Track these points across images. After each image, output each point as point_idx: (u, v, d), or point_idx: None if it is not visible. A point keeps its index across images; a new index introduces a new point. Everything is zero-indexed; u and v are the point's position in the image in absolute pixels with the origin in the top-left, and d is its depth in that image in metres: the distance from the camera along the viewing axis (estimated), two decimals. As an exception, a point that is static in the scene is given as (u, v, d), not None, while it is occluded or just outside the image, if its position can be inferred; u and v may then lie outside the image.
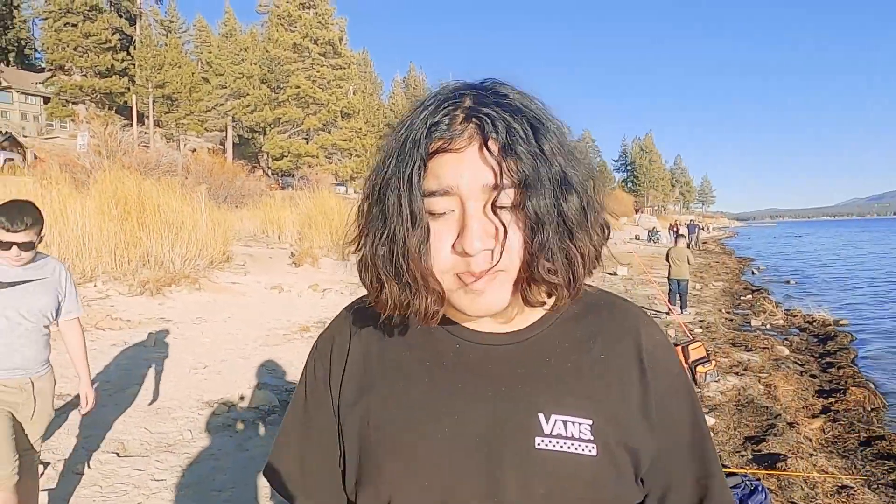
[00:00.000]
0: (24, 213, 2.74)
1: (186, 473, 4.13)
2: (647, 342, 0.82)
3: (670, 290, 11.96)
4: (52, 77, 45.60)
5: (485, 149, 0.70)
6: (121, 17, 46.98)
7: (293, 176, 38.44)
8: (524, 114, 0.72)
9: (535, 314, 0.81)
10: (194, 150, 38.83)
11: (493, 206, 0.70)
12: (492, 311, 0.74)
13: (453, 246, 0.71)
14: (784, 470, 4.57)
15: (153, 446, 4.54)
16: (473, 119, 0.71)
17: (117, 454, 4.36)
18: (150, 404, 5.35)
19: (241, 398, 5.61)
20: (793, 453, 4.88)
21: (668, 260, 12.09)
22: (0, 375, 2.82)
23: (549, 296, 0.76)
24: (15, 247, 2.73)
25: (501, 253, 0.70)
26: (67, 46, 43.29)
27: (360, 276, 0.79)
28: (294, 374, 6.39)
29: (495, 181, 0.69)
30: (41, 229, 2.84)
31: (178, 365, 6.47)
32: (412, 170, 0.71)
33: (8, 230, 2.71)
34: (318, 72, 44.53)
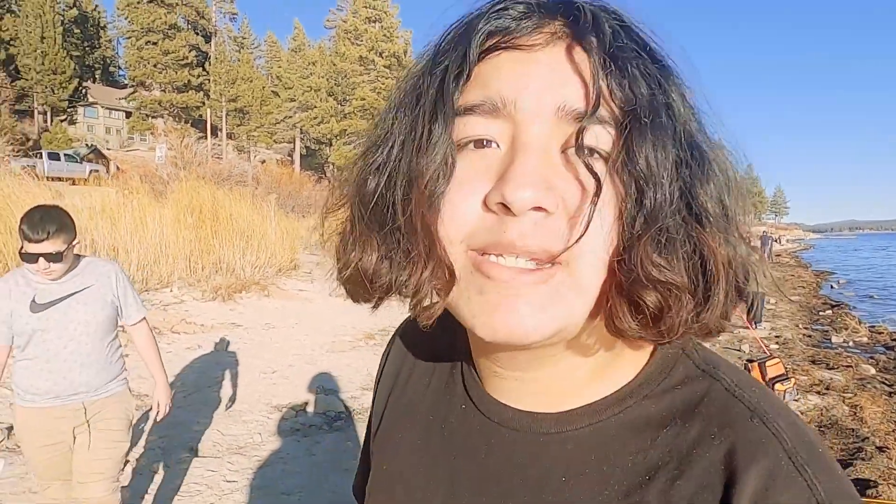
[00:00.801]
0: (46, 220, 2.38)
1: (257, 476, 4.21)
2: None
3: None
4: (133, 93, 48.09)
5: (578, 49, 0.43)
6: (197, 34, 49.14)
7: (358, 186, 39.15)
8: (638, 33, 0.45)
9: (586, 392, 0.50)
10: (264, 162, 40.16)
11: (578, 144, 0.42)
12: (522, 340, 0.43)
13: (485, 199, 0.43)
14: (875, 497, 4.29)
15: (225, 448, 4.65)
16: (561, 14, 0.45)
17: (192, 455, 4.49)
18: (223, 407, 5.50)
19: (308, 403, 5.70)
20: (884, 479, 4.58)
21: None
22: (49, 403, 2.54)
23: (618, 333, 0.45)
24: (41, 259, 2.38)
25: (586, 225, 0.41)
26: (148, 63, 45.57)
27: (337, 252, 0.54)
28: (359, 380, 6.46)
29: (586, 103, 0.42)
30: (71, 237, 2.47)
31: (249, 369, 6.63)
32: (446, 67, 0.45)
33: (31, 240, 2.36)
34: (383, 84, 45.26)
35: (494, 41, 0.44)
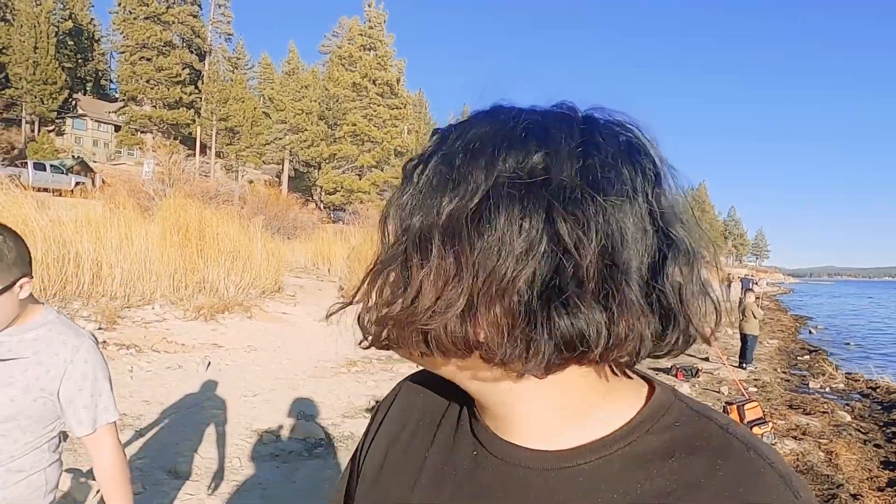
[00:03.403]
0: None
1: (234, 501, 4.16)
2: None
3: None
4: (124, 107, 47.97)
5: None
6: (192, 53, 49.31)
7: (345, 210, 39.18)
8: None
9: (588, 433, 0.54)
10: (251, 182, 40.13)
11: None
12: None
13: None
14: (849, 545, 4.33)
15: (203, 471, 4.60)
16: None
17: (170, 477, 4.43)
18: (202, 429, 5.44)
19: (289, 429, 5.65)
20: (858, 527, 4.62)
21: (742, 314, 12.13)
22: None
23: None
24: None
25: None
26: (140, 79, 45.57)
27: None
28: (340, 407, 6.42)
29: None
30: (14, 275, 1.54)
31: (229, 391, 6.57)
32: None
33: None
34: (374, 111, 45.65)
35: None
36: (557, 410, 0.54)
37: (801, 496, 0.49)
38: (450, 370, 0.55)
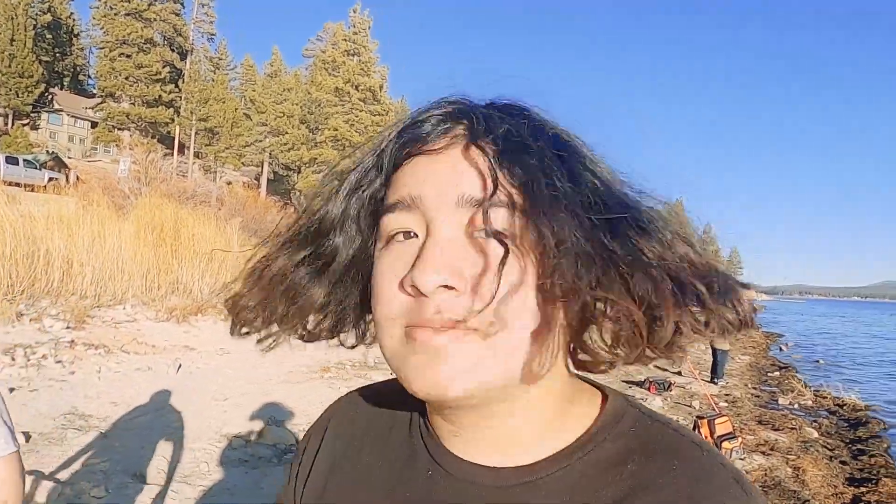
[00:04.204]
0: None
1: (201, 507, 4.09)
2: None
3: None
4: (101, 103, 47.29)
5: (472, 147, 0.51)
6: (173, 51, 48.81)
7: (323, 215, 38.96)
8: (543, 126, 0.53)
9: (545, 444, 0.54)
10: (230, 183, 39.76)
11: (479, 226, 0.48)
12: (449, 393, 0.48)
13: (401, 282, 0.50)
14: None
15: (170, 475, 4.51)
16: (464, 119, 0.53)
17: (135, 481, 4.34)
18: (170, 432, 5.34)
19: (260, 434, 5.58)
20: (823, 543, 4.68)
21: None
22: None
23: (594, 363, 0.53)
24: None
25: (491, 297, 0.46)
26: (120, 75, 44.97)
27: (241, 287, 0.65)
28: (313, 413, 6.34)
29: (483, 192, 0.49)
30: None
31: (200, 394, 6.48)
32: (365, 174, 0.56)
33: None
34: (356, 116, 45.55)
35: (408, 149, 0.53)
36: (538, 423, 0.54)
37: (752, 495, 0.50)
38: None
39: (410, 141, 0.53)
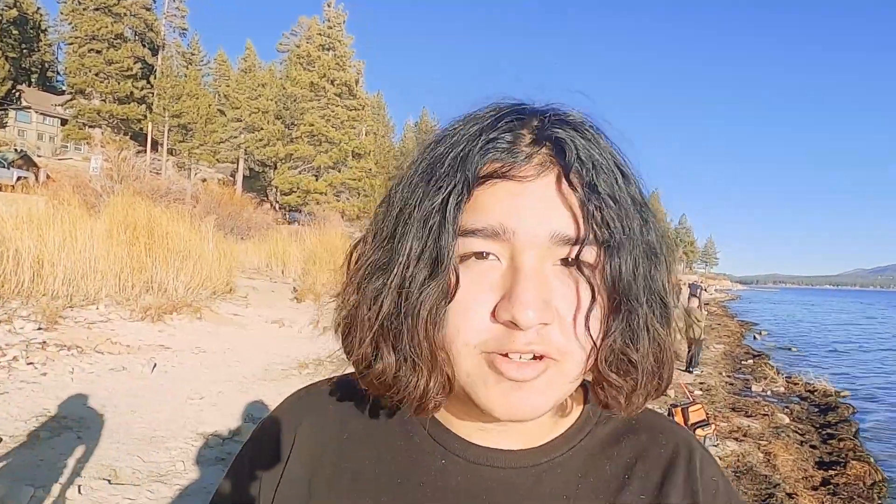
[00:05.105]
0: None
1: (177, 506, 4.07)
2: (705, 485, 0.61)
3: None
4: (71, 100, 46.41)
5: (564, 183, 0.51)
6: (144, 46, 48.03)
7: (300, 212, 38.73)
8: (606, 150, 0.54)
9: (554, 428, 0.62)
10: (204, 180, 39.27)
11: (571, 262, 0.51)
12: (529, 416, 0.53)
13: (494, 312, 0.50)
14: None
15: (145, 475, 4.48)
16: (546, 143, 0.53)
17: (109, 482, 4.30)
18: (144, 432, 5.30)
19: (236, 432, 5.56)
20: (792, 525, 4.80)
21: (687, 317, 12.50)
22: None
23: (603, 405, 0.58)
24: None
25: (574, 331, 0.51)
26: (90, 72, 44.15)
27: (343, 340, 0.59)
28: (290, 410, 6.34)
29: (577, 232, 0.51)
30: None
31: (175, 394, 6.42)
32: (449, 193, 0.51)
33: None
34: (332, 111, 45.25)
35: (493, 168, 0.52)
36: (555, 412, 0.61)
37: (716, 460, 0.64)
38: None
39: (493, 162, 0.52)
